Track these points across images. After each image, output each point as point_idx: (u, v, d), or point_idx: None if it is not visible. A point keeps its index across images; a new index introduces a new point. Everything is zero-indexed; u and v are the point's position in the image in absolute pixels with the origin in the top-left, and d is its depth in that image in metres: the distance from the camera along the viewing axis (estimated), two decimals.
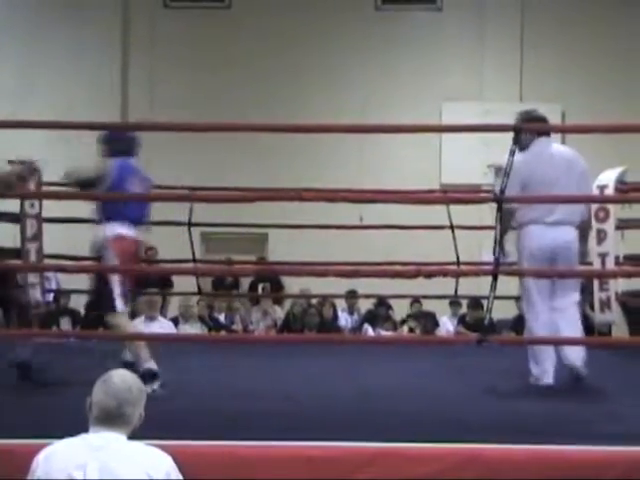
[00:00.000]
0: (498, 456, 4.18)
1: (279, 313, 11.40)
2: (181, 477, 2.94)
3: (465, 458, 4.13)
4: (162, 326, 8.75)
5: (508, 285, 5.85)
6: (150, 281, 10.89)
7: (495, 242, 5.12)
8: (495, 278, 5.01)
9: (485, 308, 5.65)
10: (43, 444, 3.03)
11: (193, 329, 9.12)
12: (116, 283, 5.66)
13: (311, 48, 14.21)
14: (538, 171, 5.65)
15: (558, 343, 5.73)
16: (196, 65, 14.10)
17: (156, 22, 14.20)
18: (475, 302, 10.23)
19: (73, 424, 3.09)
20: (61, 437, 3.01)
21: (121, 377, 3.06)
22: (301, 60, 14.17)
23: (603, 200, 7.28)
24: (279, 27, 14.16)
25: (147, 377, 5.11)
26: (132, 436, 3.02)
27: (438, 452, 4.21)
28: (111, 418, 2.98)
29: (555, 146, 5.94)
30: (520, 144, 5.18)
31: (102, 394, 3.01)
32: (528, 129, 5.64)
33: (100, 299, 5.88)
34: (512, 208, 5.49)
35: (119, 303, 5.67)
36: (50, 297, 10.16)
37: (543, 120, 5.85)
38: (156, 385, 5.36)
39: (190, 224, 8.09)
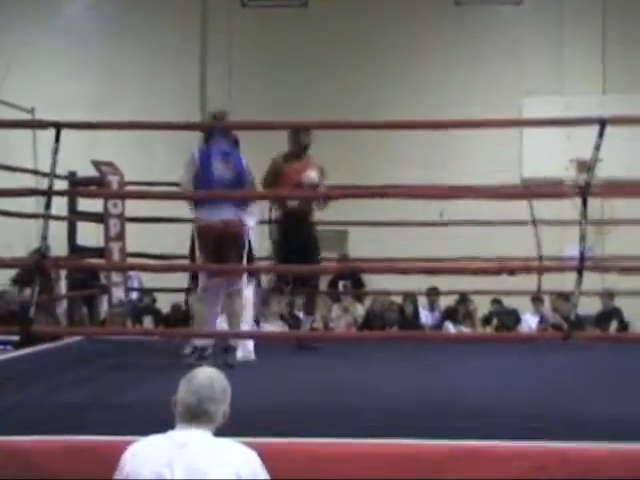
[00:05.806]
0: (583, 455, 4.11)
1: (360, 310, 11.37)
2: (266, 474, 2.93)
3: (551, 457, 4.07)
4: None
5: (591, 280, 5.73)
6: None
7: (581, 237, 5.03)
8: (580, 273, 4.93)
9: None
10: (129, 441, 3.05)
11: (273, 327, 9.13)
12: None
13: (389, 45, 14.08)
14: None
15: None
16: (273, 63, 14.11)
17: (233, 21, 14.28)
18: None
19: (158, 421, 3.10)
20: (146, 434, 3.03)
21: (205, 374, 3.06)
22: (378, 57, 14.07)
23: None
24: (356, 25, 14.07)
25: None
26: (218, 433, 3.03)
27: (523, 450, 4.15)
28: (194, 415, 2.98)
29: None
30: None
31: (185, 391, 3.02)
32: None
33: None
34: None
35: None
36: (133, 295, 10.31)
37: None
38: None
39: (271, 221, 8.06)
